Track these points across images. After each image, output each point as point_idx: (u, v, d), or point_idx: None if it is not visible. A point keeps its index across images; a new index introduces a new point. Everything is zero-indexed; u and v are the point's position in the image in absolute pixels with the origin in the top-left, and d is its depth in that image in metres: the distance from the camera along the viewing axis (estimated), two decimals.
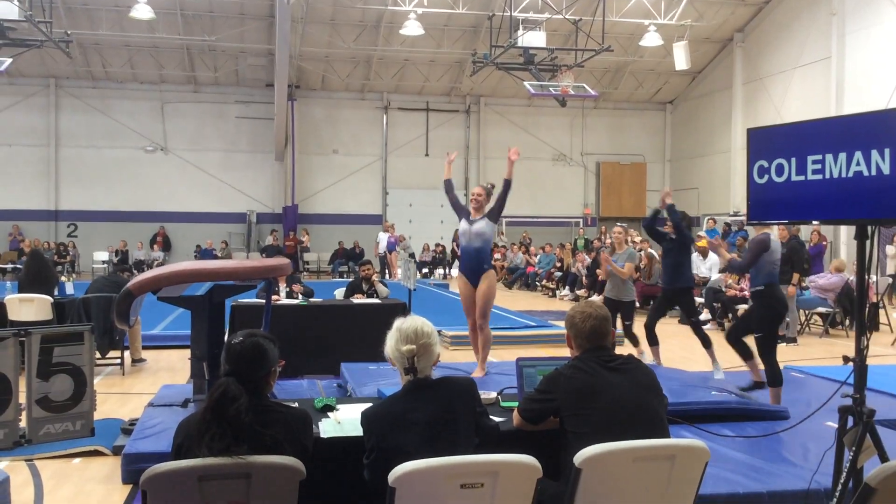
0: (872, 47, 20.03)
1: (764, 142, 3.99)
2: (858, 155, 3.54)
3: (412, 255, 23.17)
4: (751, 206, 4.05)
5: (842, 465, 3.70)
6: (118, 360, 8.81)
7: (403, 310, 8.36)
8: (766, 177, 3.91)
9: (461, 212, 7.78)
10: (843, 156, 3.61)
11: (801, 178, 3.77)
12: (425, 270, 25.65)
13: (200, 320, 5.88)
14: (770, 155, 3.89)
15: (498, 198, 7.66)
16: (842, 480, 3.61)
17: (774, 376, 6.60)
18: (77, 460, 5.47)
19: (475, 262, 7.46)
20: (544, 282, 20.80)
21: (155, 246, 25.86)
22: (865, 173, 3.52)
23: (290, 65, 24.21)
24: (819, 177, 3.70)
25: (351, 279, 12.12)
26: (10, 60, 18.70)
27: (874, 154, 3.48)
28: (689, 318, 8.27)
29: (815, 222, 3.98)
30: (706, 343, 7.82)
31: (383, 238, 24.74)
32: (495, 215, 7.62)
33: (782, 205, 3.89)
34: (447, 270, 26.28)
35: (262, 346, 3.03)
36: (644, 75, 28.25)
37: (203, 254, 25.45)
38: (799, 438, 5.61)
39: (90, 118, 26.48)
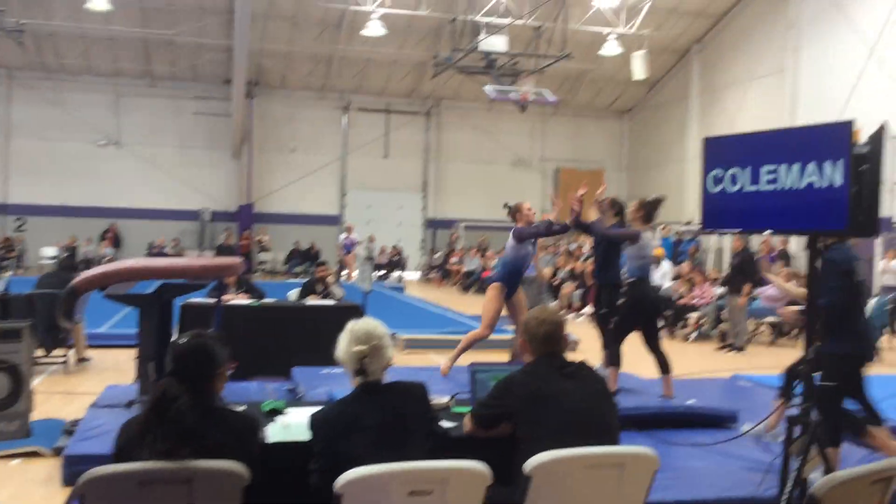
0: (827, 61, 20.47)
1: (719, 151, 4.02)
2: (811, 166, 3.58)
3: (370, 258, 23.13)
4: (705, 214, 4.08)
5: (788, 474, 3.74)
6: (63, 359, 8.59)
7: (358, 312, 8.27)
8: (720, 186, 3.94)
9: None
10: (796, 167, 3.65)
11: (755, 188, 3.80)
12: (382, 273, 25.57)
13: (148, 319, 5.75)
14: (724, 164, 3.92)
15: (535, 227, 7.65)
16: (787, 490, 3.64)
17: (612, 357, 6.73)
18: (16, 461, 5.30)
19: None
20: None
21: (105, 242, 25.34)
22: (818, 185, 3.56)
23: (249, 61, 23.94)
24: (772, 187, 3.73)
25: (306, 280, 12.00)
26: None
27: (827, 165, 3.52)
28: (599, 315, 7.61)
29: (767, 232, 4.01)
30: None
31: (346, 239, 24.60)
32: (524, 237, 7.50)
33: (736, 214, 3.92)
34: (402, 273, 26.24)
35: (207, 347, 2.96)
36: (603, 83, 28.51)
37: (154, 251, 25.00)
38: (746, 447, 5.67)
39: (42, 110, 25.85)
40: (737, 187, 3.89)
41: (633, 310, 6.80)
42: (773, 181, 3.75)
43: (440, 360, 9.87)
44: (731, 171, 3.90)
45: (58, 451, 5.29)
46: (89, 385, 7.82)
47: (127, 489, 2.62)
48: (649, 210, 6.92)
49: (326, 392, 6.03)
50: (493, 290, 7.43)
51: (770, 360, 10.90)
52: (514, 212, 7.63)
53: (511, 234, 7.45)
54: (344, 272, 23.66)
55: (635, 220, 6.82)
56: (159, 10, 23.34)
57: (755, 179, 3.82)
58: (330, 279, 10.00)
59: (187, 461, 2.66)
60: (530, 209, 7.65)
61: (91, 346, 9.32)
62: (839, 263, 4.80)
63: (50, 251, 24.29)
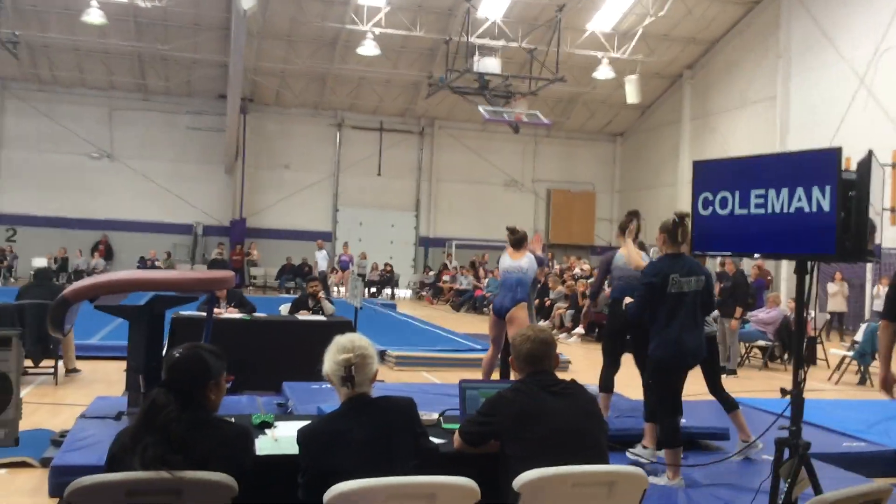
0: (816, 89, 20.71)
1: (709, 174, 4.06)
2: (800, 191, 3.62)
3: (361, 275, 23.15)
4: (695, 237, 4.12)
5: (777, 496, 3.75)
6: (51, 370, 8.54)
7: (349, 328, 8.27)
8: (711, 209, 3.97)
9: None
10: (785, 191, 3.69)
11: (745, 211, 3.84)
12: (372, 290, 25.55)
13: (138, 331, 5.74)
14: (715, 187, 3.96)
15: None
16: None
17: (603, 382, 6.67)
18: (3, 471, 5.28)
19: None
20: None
21: (96, 254, 25.27)
22: (806, 209, 3.60)
23: (244, 78, 24.02)
24: (762, 211, 3.77)
25: (297, 295, 11.99)
26: None
27: (815, 191, 3.56)
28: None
29: (756, 256, 4.04)
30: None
31: (320, 256, 24.54)
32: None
33: (725, 237, 3.96)
34: (394, 291, 26.24)
35: (200, 357, 2.96)
36: (596, 106, 28.73)
37: (145, 264, 24.94)
38: (735, 469, 5.69)
39: (35, 122, 25.86)
40: (726, 211, 3.92)
41: (612, 324, 6.82)
42: (762, 205, 3.78)
43: (431, 377, 9.89)
44: (720, 195, 3.94)
45: (45, 462, 5.27)
46: (78, 396, 7.78)
47: (115, 499, 2.61)
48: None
49: (316, 407, 6.02)
50: (523, 309, 7.45)
51: (762, 384, 10.94)
52: (522, 239, 7.85)
53: (529, 260, 7.71)
54: (333, 287, 23.62)
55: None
56: (154, 24, 23.43)
57: (744, 203, 3.86)
58: (321, 294, 9.99)
59: (177, 471, 2.66)
60: (538, 237, 8.45)
61: (80, 358, 9.28)
62: (645, 275, 5.49)
63: (40, 262, 24.15)
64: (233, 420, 3.40)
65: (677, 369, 5.41)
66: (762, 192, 3.76)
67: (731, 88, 24.36)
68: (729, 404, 6.28)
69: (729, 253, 4.06)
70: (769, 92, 22.36)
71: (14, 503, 4.76)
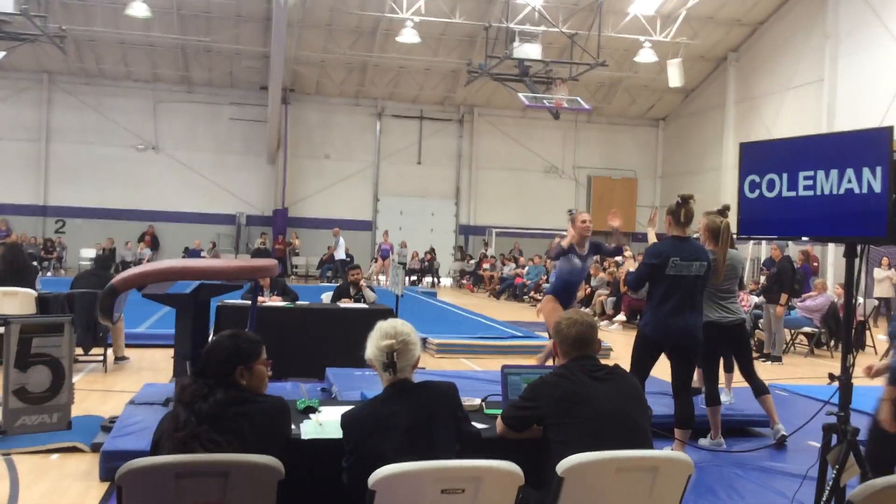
0: (865, 70, 20.19)
1: (756, 156, 3.98)
2: (850, 172, 3.54)
3: (402, 263, 23.28)
4: (741, 220, 4.05)
5: (825, 483, 3.69)
6: (101, 358, 8.73)
7: (390, 315, 8.31)
8: (758, 191, 3.90)
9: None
10: (834, 173, 3.61)
11: (793, 193, 3.76)
12: (413, 278, 25.63)
13: (185, 319, 5.82)
14: (762, 170, 3.89)
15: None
16: (824, 498, 3.60)
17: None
18: (55, 456, 5.40)
19: None
20: (532, 293, 20.79)
21: (142, 244, 25.72)
22: (856, 191, 3.52)
23: (285, 68, 24.17)
24: (810, 193, 3.69)
25: (339, 284, 12.08)
26: (3, 54, 18.61)
27: (865, 172, 3.47)
28: None
29: (804, 239, 3.96)
30: None
31: (337, 243, 24.74)
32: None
33: (772, 220, 3.88)
34: (435, 279, 26.30)
35: (232, 343, 3.06)
36: (638, 91, 28.37)
37: (191, 254, 25.32)
38: (782, 455, 5.61)
39: (82, 115, 26.36)
40: (774, 193, 3.85)
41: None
42: (811, 187, 3.71)
43: (471, 364, 9.90)
44: (768, 177, 3.86)
45: (96, 447, 5.39)
46: (127, 383, 7.94)
47: (164, 482, 2.66)
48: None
49: (360, 392, 6.06)
50: (548, 302, 7.40)
51: (808, 371, 10.77)
52: (571, 221, 7.59)
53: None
54: (372, 276, 23.76)
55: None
56: (197, 17, 23.69)
57: (793, 185, 3.78)
58: (362, 282, 10.05)
59: (224, 454, 2.71)
60: (585, 222, 7.45)
61: (129, 346, 9.47)
62: (649, 254, 5.66)
63: (88, 252, 24.73)
64: None
65: (658, 347, 5.60)
66: (811, 173, 3.69)
67: (777, 71, 23.85)
68: (758, 389, 6.28)
69: (775, 237, 3.97)
70: (816, 74, 21.85)
71: (66, 487, 4.87)
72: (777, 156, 3.90)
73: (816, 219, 3.71)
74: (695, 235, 6.40)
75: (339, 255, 24.25)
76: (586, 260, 7.50)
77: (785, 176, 3.81)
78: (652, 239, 6.35)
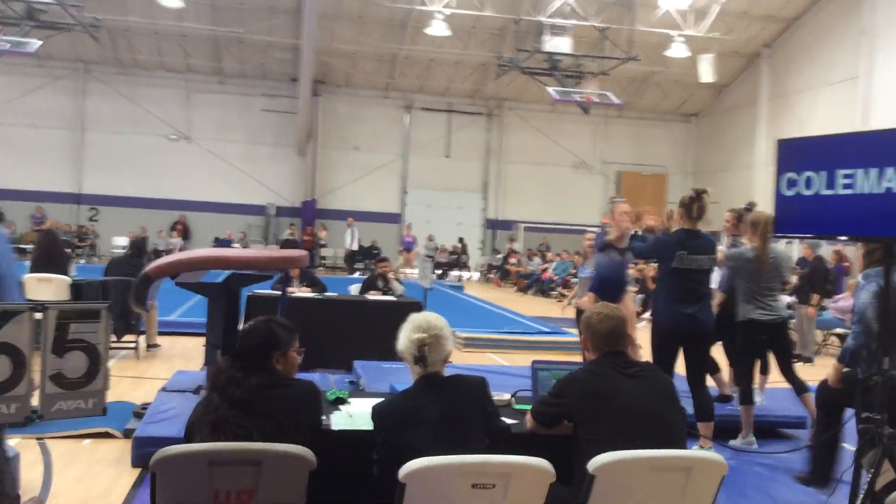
0: None
1: (793, 153, 3.92)
2: (891, 171, 3.47)
3: (430, 256, 23.31)
4: (778, 219, 3.99)
5: (859, 487, 3.64)
6: (133, 345, 8.84)
7: (418, 308, 8.31)
8: (795, 189, 3.84)
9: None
10: (874, 171, 3.54)
11: (831, 192, 3.70)
12: (440, 272, 25.65)
13: (216, 308, 5.89)
14: (799, 167, 3.83)
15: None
16: (858, 502, 3.55)
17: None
18: (87, 441, 5.49)
19: None
20: (560, 289, 20.73)
21: (174, 233, 26.01)
22: None
23: (315, 60, 24.26)
24: (849, 192, 3.63)
25: (367, 275, 12.12)
26: (39, 42, 18.85)
27: None
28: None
29: (842, 238, 3.89)
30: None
31: (348, 234, 25.12)
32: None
33: (810, 219, 3.82)
34: (462, 273, 26.31)
35: (268, 328, 3.10)
36: (669, 86, 28.12)
37: (221, 244, 25.55)
38: None
39: (116, 104, 26.66)
40: (812, 191, 3.79)
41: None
42: (850, 186, 3.64)
43: (498, 359, 9.90)
44: (806, 175, 3.80)
45: (128, 433, 5.46)
46: (158, 370, 8.04)
47: (197, 469, 2.69)
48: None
49: (389, 384, 6.08)
50: (588, 300, 7.21)
51: None
52: (612, 211, 7.15)
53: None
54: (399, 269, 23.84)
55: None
56: (230, 8, 23.84)
57: (831, 184, 3.72)
58: (391, 275, 10.07)
59: (256, 443, 2.74)
60: (623, 213, 6.87)
61: (161, 333, 9.57)
62: (657, 244, 5.77)
63: (121, 240, 25.02)
64: None
65: (670, 338, 5.65)
66: (850, 171, 3.62)
67: (811, 67, 23.50)
68: (799, 387, 6.22)
69: (812, 236, 3.92)
70: (851, 71, 21.50)
71: (98, 472, 4.94)
72: (815, 153, 3.84)
73: (855, 218, 3.65)
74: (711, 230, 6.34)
75: (353, 245, 24.47)
76: (625, 254, 6.99)
77: (823, 174, 3.75)
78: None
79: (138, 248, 10.13)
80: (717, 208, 6.91)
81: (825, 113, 22.36)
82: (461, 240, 27.15)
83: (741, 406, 5.91)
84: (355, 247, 24.76)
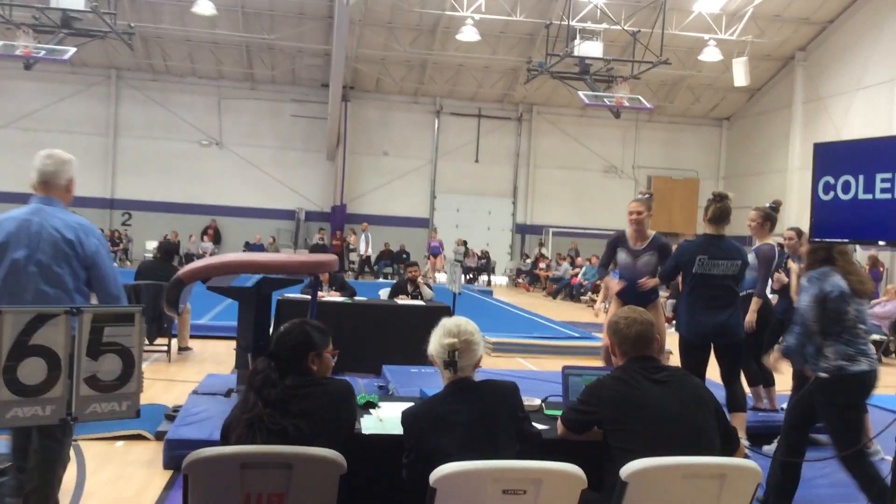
0: None
1: (831, 157, 3.86)
2: None
3: (459, 261, 23.30)
4: (814, 223, 3.93)
5: None
6: (165, 348, 8.92)
7: (447, 313, 8.31)
8: (832, 194, 3.78)
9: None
10: None
11: (869, 196, 3.64)
12: (469, 276, 25.62)
13: (247, 311, 5.92)
14: (837, 171, 3.77)
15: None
16: None
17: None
18: (120, 443, 5.54)
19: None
20: (590, 294, 20.60)
21: (206, 237, 26.28)
22: None
23: (345, 66, 24.40)
24: (888, 196, 3.57)
25: (396, 280, 12.14)
26: (73, 50, 19.12)
27: None
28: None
29: (881, 243, 3.82)
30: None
31: (363, 238, 25.21)
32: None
33: (847, 223, 3.76)
34: (490, 277, 26.28)
35: (303, 330, 3.14)
36: (701, 90, 27.88)
37: (251, 248, 25.77)
38: None
39: (149, 110, 27.01)
40: (849, 196, 3.73)
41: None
42: (889, 190, 3.58)
43: (527, 364, 9.85)
44: (843, 179, 3.74)
45: (160, 436, 5.50)
46: (190, 373, 8.12)
47: (229, 472, 2.70)
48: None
49: (419, 389, 6.07)
50: (614, 304, 7.09)
51: None
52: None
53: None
54: (427, 274, 23.88)
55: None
56: (261, 15, 24.06)
57: (869, 188, 3.66)
58: (420, 279, 10.07)
59: (287, 447, 2.75)
60: (631, 213, 6.45)
61: (192, 337, 9.65)
62: (677, 250, 5.77)
63: (154, 245, 25.30)
64: None
65: (694, 345, 5.63)
66: (889, 175, 3.56)
67: (847, 70, 23.17)
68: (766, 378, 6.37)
69: (849, 240, 3.85)
70: (888, 74, 21.16)
71: (130, 474, 4.98)
72: (853, 157, 3.78)
73: (894, 223, 3.58)
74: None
75: (367, 250, 24.60)
76: (639, 257, 6.34)
77: (861, 178, 3.68)
78: None
79: (167, 252, 10.22)
80: (748, 213, 6.82)
81: (861, 116, 22.03)
82: (486, 249, 27.12)
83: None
84: (370, 252, 24.88)
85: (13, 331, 3.07)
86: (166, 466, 5.02)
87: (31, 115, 26.08)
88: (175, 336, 9.12)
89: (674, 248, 6.48)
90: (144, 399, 6.19)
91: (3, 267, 3.66)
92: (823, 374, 4.32)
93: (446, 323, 3.24)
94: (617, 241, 6.51)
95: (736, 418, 5.50)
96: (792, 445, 4.61)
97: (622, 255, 6.47)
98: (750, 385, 6.65)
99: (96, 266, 3.86)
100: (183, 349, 9.27)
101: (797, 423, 4.61)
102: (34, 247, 3.68)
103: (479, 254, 26.84)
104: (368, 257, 25.65)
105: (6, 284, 3.65)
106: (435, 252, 25.41)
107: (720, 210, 5.59)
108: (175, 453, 4.87)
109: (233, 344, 7.04)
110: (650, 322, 3.41)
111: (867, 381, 4.40)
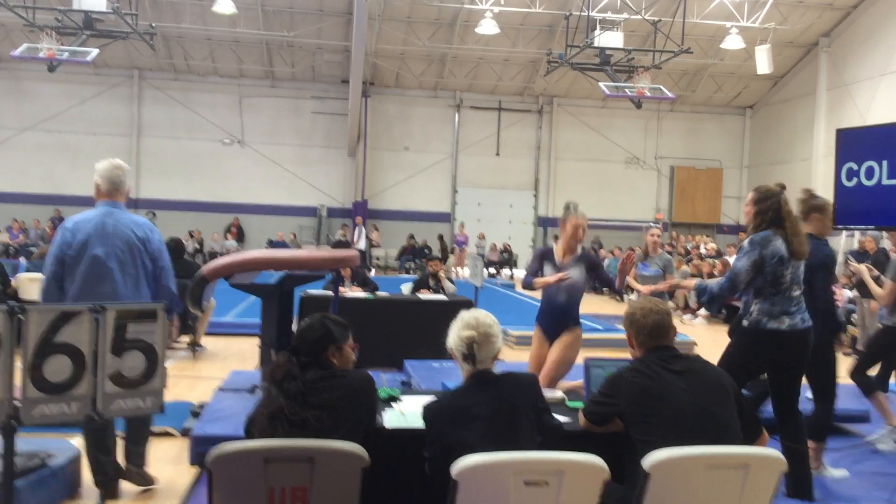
0: None
1: (854, 143, 3.81)
2: None
3: (481, 255, 23.28)
4: (837, 209, 3.88)
5: None
6: (188, 345, 8.99)
7: (469, 307, 8.28)
8: (855, 180, 3.74)
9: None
10: None
11: (893, 181, 3.59)
12: (492, 270, 25.59)
13: (270, 308, 5.95)
14: (860, 157, 3.72)
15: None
16: None
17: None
18: None
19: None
20: None
21: (229, 235, 26.47)
22: None
23: (365, 62, 24.42)
24: None
25: (419, 275, 12.15)
26: (96, 51, 19.32)
27: None
28: None
29: None
30: None
31: (358, 232, 25.08)
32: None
33: (871, 209, 3.71)
34: (513, 270, 26.23)
35: (323, 324, 3.18)
36: (724, 79, 27.61)
37: (274, 245, 25.92)
38: (877, 456, 5.38)
39: (171, 110, 27.22)
40: (873, 181, 3.68)
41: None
42: None
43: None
44: (866, 165, 3.70)
45: (185, 432, 5.55)
46: (214, 370, 8.17)
47: (253, 466, 2.72)
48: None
49: (440, 383, 6.08)
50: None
51: None
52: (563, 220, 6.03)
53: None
54: (450, 268, 23.87)
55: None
56: (280, 12, 24.15)
57: (893, 173, 3.61)
58: (442, 274, 10.07)
59: (310, 440, 2.76)
60: (577, 227, 5.91)
61: (216, 334, 9.71)
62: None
63: None
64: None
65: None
66: None
67: (871, 57, 22.83)
68: (869, 386, 5.93)
69: (873, 227, 3.80)
70: None
71: (157, 470, 5.02)
72: (877, 142, 3.73)
73: None
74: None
75: (360, 244, 24.51)
76: (563, 270, 5.84)
77: (885, 163, 3.63)
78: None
79: (174, 251, 10.14)
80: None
81: (887, 102, 21.71)
82: (507, 243, 27.03)
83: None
84: (362, 245, 24.79)
85: (38, 329, 3.12)
86: (193, 462, 5.05)
87: (55, 117, 26.38)
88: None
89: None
90: (170, 397, 6.23)
91: (84, 262, 4.25)
92: (744, 323, 4.45)
93: (464, 315, 3.25)
94: (547, 254, 6.00)
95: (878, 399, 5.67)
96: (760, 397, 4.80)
97: (545, 269, 6.05)
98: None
99: (160, 259, 4.56)
100: (196, 346, 9.18)
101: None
102: (111, 244, 4.31)
103: (502, 247, 26.79)
104: (364, 252, 25.53)
105: (88, 277, 4.24)
106: (459, 245, 25.43)
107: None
108: (201, 449, 4.88)
109: (257, 341, 7.09)
110: (666, 311, 3.40)
111: (781, 339, 4.32)
